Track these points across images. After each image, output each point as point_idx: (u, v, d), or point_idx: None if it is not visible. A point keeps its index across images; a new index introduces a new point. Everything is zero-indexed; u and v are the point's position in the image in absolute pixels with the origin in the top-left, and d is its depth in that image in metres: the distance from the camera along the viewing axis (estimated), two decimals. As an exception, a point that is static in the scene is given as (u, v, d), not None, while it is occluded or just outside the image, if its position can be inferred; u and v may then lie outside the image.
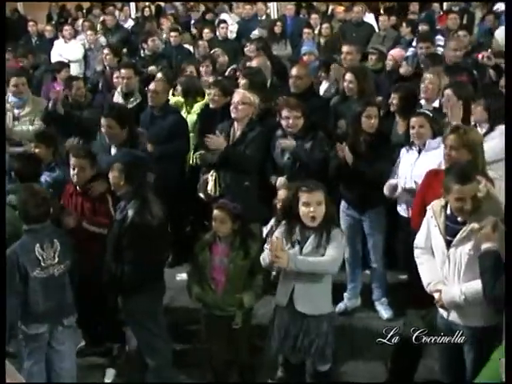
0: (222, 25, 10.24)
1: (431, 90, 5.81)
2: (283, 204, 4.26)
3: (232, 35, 10.73)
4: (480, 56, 6.94)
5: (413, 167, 4.90)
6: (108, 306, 4.79)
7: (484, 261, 3.41)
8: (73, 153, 4.84)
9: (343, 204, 5.35)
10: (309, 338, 4.02)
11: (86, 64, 9.94)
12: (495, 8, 10.62)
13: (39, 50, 10.33)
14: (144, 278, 4.18)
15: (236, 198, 4.58)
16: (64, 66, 8.08)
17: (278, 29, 10.16)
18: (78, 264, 4.29)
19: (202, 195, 5.62)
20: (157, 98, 6.19)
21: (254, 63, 6.95)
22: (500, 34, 9.02)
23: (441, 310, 3.81)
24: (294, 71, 6.21)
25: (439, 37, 8.87)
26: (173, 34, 9.79)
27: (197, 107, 6.63)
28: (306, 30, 9.71)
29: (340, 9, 11.56)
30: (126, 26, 11.87)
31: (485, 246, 3.43)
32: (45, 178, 5.13)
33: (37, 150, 5.27)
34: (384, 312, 5.41)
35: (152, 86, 6.25)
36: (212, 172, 5.52)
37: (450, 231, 3.68)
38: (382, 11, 11.72)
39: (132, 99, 6.65)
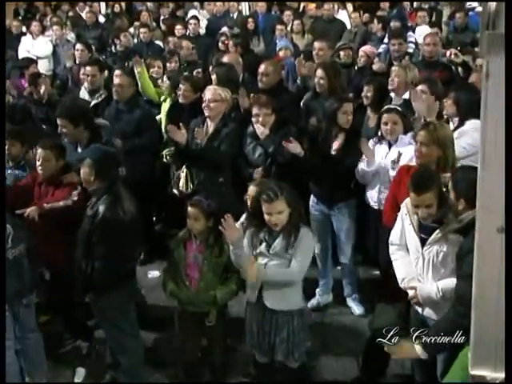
0: (192, 21, 10.17)
1: (397, 82, 5.90)
2: (249, 207, 4.26)
3: (202, 31, 10.69)
4: (448, 53, 7.01)
5: (383, 160, 4.95)
6: (75, 303, 4.80)
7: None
8: (40, 144, 4.82)
9: (312, 199, 5.35)
10: (280, 335, 4.00)
11: (54, 60, 9.80)
12: (468, 4, 10.73)
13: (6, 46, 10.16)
14: (115, 275, 4.13)
15: (210, 194, 4.54)
16: (32, 62, 7.99)
17: (250, 25, 10.14)
18: (40, 253, 4.36)
19: (175, 191, 5.58)
20: (122, 91, 6.10)
21: (225, 59, 6.92)
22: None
23: (415, 306, 3.83)
24: (261, 68, 6.17)
25: (410, 33, 8.94)
26: (142, 30, 9.74)
27: (164, 104, 6.61)
28: (278, 27, 9.68)
29: (311, 6, 11.59)
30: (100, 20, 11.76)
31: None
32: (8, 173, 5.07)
33: (11, 148, 5.16)
34: (356, 308, 5.43)
35: (116, 80, 6.15)
36: (183, 168, 5.48)
37: (424, 229, 3.68)
38: (352, 8, 11.74)
39: (97, 95, 6.57)
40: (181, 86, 6.13)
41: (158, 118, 6.63)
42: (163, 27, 11.09)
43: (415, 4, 12.35)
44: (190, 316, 4.31)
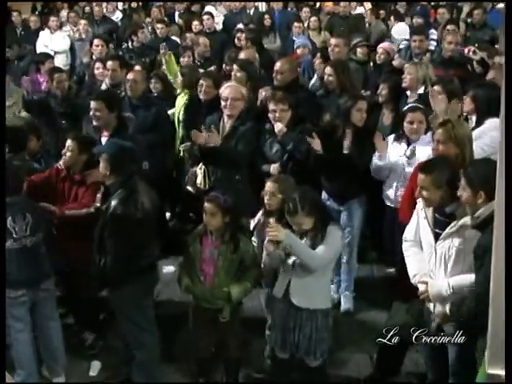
0: (206, 16, 10.17)
1: (409, 80, 5.90)
2: (270, 206, 4.30)
3: (218, 27, 10.69)
4: (466, 50, 6.97)
5: (401, 158, 4.95)
6: (87, 295, 4.86)
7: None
8: (68, 135, 4.93)
9: (323, 195, 5.33)
10: (303, 332, 4.02)
11: (72, 55, 9.84)
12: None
13: (24, 40, 10.23)
14: (125, 270, 4.14)
15: (226, 191, 4.55)
16: (48, 57, 8.03)
17: (266, 22, 10.13)
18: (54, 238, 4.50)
19: (190, 188, 5.58)
20: (135, 87, 6.15)
21: (242, 55, 6.91)
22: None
23: (427, 304, 3.80)
24: (276, 65, 6.17)
25: (432, 30, 8.88)
26: (159, 25, 9.73)
27: (180, 99, 6.62)
28: (296, 24, 9.69)
29: (328, 2, 11.56)
30: (113, 17, 11.77)
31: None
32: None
33: (28, 142, 5.24)
34: (344, 304, 5.40)
35: (130, 75, 6.21)
36: (201, 165, 5.48)
37: (439, 224, 3.67)
38: (370, 5, 11.70)
39: (118, 91, 6.56)
40: (202, 81, 6.08)
41: (170, 112, 6.66)
42: (180, 22, 11.08)
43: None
44: (204, 312, 4.31)
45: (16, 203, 4.27)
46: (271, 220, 3.93)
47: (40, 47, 9.81)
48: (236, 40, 8.73)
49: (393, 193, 5.05)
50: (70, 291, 5.04)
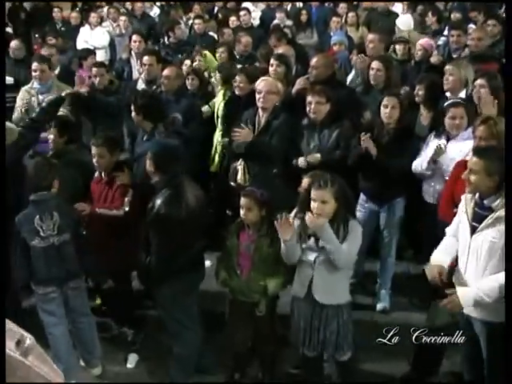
0: (243, 12, 10.20)
1: (452, 81, 5.71)
2: (300, 196, 4.26)
3: (255, 22, 10.69)
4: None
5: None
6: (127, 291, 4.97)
7: None
8: (92, 142, 4.92)
9: (362, 197, 5.32)
10: (330, 329, 4.01)
11: (112, 51, 9.94)
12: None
13: (65, 36, 10.36)
14: (169, 269, 4.17)
15: (264, 186, 4.56)
16: (90, 53, 8.08)
17: (303, 17, 10.11)
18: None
19: (233, 184, 5.61)
20: (169, 83, 6.24)
21: (279, 51, 6.92)
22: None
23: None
24: (312, 61, 6.16)
25: (471, 25, 8.72)
26: (197, 21, 9.79)
27: (220, 95, 6.65)
28: (334, 19, 9.65)
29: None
30: (151, 13, 11.88)
31: None
32: None
33: (51, 137, 5.29)
34: (380, 303, 5.40)
35: (166, 71, 6.29)
36: (240, 161, 5.51)
37: (477, 217, 3.63)
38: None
39: (154, 86, 6.64)
40: (237, 77, 6.16)
41: (204, 108, 6.69)
42: (220, 16, 11.10)
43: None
44: (241, 305, 4.34)
45: (43, 201, 4.32)
46: (283, 214, 3.91)
47: (80, 43, 9.94)
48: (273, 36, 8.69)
49: (431, 189, 5.01)
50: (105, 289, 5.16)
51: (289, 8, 11.72)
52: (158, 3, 13.19)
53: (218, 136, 6.40)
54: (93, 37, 9.93)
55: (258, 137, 5.36)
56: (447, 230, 3.96)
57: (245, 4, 11.76)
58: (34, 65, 6.64)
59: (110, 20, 10.61)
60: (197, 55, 6.89)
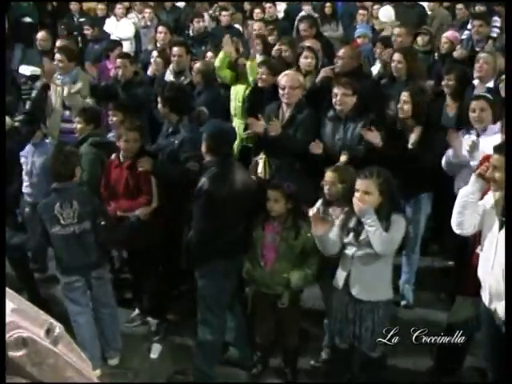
0: (269, 4, 10.16)
1: (486, 69, 5.67)
2: (344, 187, 4.24)
3: (280, 15, 10.65)
4: None
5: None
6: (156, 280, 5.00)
7: None
8: (126, 126, 4.93)
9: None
10: (365, 324, 3.98)
11: (137, 42, 9.97)
12: None
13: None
14: (206, 248, 4.16)
15: (286, 180, 4.55)
16: (117, 44, 8.10)
17: (328, 10, 10.04)
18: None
19: (253, 177, 5.60)
20: (197, 76, 6.33)
21: (306, 44, 6.88)
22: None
23: (483, 298, 3.73)
24: (339, 52, 6.17)
25: (496, 18, 8.59)
26: (224, 13, 9.77)
27: (239, 87, 6.64)
28: (360, 12, 9.59)
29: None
30: (179, 4, 11.87)
31: None
32: None
33: (78, 126, 5.36)
34: (405, 298, 5.37)
35: (196, 65, 6.41)
36: (261, 154, 5.51)
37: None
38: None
39: (182, 78, 6.65)
40: (259, 69, 6.15)
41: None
42: (247, 7, 11.07)
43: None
44: (264, 297, 4.36)
45: (65, 190, 4.39)
46: (358, 194, 3.87)
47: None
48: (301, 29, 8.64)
49: (462, 185, 4.93)
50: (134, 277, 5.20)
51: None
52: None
53: (238, 128, 6.38)
54: (118, 28, 9.96)
55: (282, 131, 5.34)
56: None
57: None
58: (56, 56, 6.73)
59: (135, 12, 10.63)
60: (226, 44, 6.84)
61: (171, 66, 6.81)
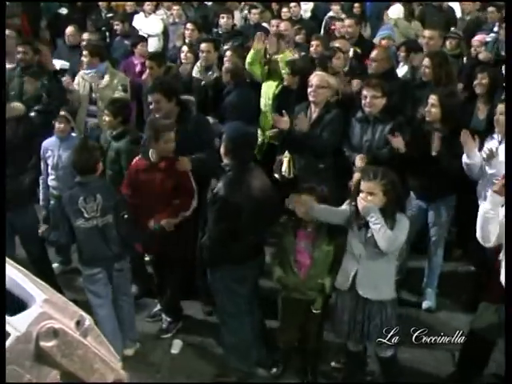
0: (293, 4, 10.14)
1: None
2: (353, 187, 4.23)
3: (306, 14, 10.62)
4: None
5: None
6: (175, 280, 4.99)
7: None
8: (169, 126, 4.77)
9: (411, 194, 5.25)
10: (374, 323, 3.98)
11: (165, 39, 10.01)
12: None
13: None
14: (220, 254, 4.14)
15: (310, 180, 4.54)
16: (141, 39, 8.14)
17: (357, 10, 10.00)
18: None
19: (277, 176, 5.60)
20: (227, 75, 6.33)
21: (336, 44, 6.87)
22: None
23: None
24: (372, 53, 6.19)
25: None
26: (253, 11, 9.79)
27: (273, 85, 6.63)
28: (387, 13, 9.50)
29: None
30: (205, 3, 11.90)
31: None
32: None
33: (107, 119, 5.39)
34: (426, 302, 5.34)
35: (226, 63, 6.42)
36: (286, 153, 5.50)
37: None
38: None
39: (210, 73, 6.68)
40: (285, 69, 6.19)
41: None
42: (276, 6, 11.07)
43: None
44: (295, 302, 4.32)
45: (88, 183, 4.42)
46: (362, 195, 3.85)
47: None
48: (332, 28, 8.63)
49: (483, 192, 4.89)
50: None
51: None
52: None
53: (264, 125, 6.39)
54: (147, 24, 9.99)
55: (309, 130, 5.34)
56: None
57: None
58: (85, 52, 6.81)
59: (164, 8, 10.67)
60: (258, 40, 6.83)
61: (198, 62, 6.84)
